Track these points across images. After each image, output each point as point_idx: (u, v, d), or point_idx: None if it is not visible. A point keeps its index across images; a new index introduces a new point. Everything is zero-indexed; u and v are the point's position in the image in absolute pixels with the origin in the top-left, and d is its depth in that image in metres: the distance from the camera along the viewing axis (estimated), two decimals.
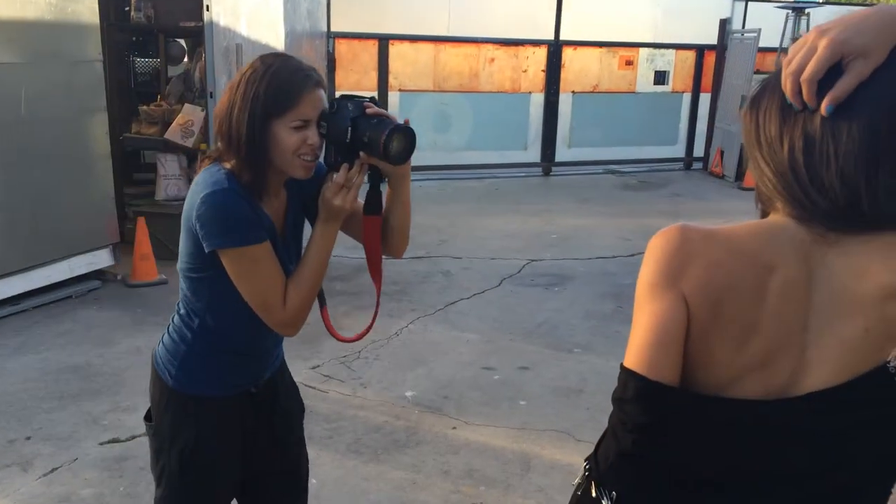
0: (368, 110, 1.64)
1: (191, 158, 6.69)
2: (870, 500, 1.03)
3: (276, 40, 7.73)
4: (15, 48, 4.82)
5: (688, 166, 11.72)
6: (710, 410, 1.00)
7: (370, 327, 1.96)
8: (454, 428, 3.68)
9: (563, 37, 10.74)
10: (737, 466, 1.01)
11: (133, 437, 3.49)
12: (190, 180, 6.83)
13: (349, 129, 1.62)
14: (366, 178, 1.70)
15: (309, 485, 3.19)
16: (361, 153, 1.63)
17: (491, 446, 3.52)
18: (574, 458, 3.39)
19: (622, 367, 1.02)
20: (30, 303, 5.05)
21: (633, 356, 1.00)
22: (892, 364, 0.96)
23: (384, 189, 1.79)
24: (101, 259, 5.57)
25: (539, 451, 3.48)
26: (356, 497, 3.11)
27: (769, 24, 10.29)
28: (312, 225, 1.77)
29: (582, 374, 4.31)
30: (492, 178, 10.40)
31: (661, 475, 1.01)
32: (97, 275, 5.56)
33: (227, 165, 1.67)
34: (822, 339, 0.97)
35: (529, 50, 10.77)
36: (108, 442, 3.46)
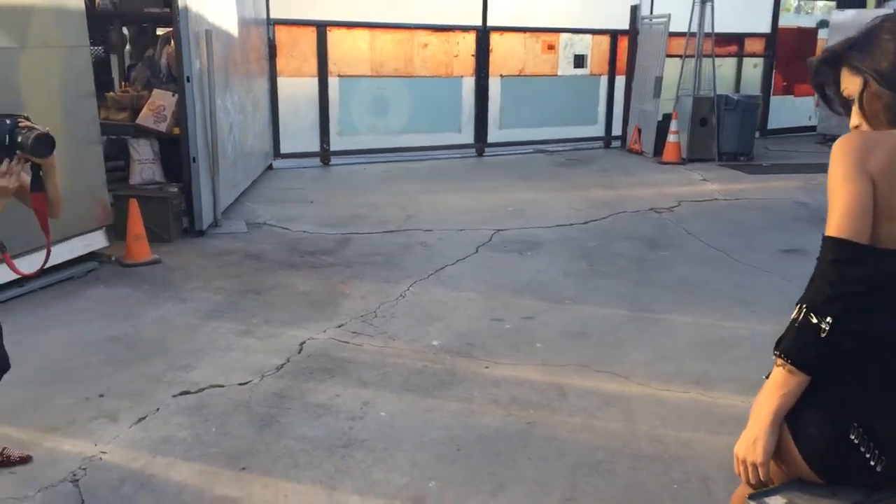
0: (21, 123, 2.49)
1: (162, 143, 6.81)
2: None
3: (232, 27, 7.90)
4: (5, 33, 4.86)
5: (607, 144, 12.56)
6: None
7: (45, 263, 2.86)
8: (487, 367, 4.13)
9: (490, 23, 11.29)
10: None
11: (202, 389, 3.76)
12: (162, 164, 6.95)
13: (7, 136, 2.46)
14: (31, 168, 2.55)
15: (379, 416, 3.59)
16: (18, 151, 2.47)
17: (525, 379, 3.99)
18: (601, 384, 3.90)
19: (826, 237, 1.50)
20: (34, 285, 5.13)
21: (836, 226, 1.48)
22: None
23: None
24: (95, 241, 5.67)
25: (568, 381, 3.97)
26: (426, 423, 3.52)
27: (677, 10, 11.19)
28: None
29: (582, 320, 4.84)
30: (430, 160, 10.85)
31: (864, 307, 1.49)
32: (91, 256, 5.67)
33: None
34: None
35: (459, 35, 11.27)
36: (181, 394, 3.72)
